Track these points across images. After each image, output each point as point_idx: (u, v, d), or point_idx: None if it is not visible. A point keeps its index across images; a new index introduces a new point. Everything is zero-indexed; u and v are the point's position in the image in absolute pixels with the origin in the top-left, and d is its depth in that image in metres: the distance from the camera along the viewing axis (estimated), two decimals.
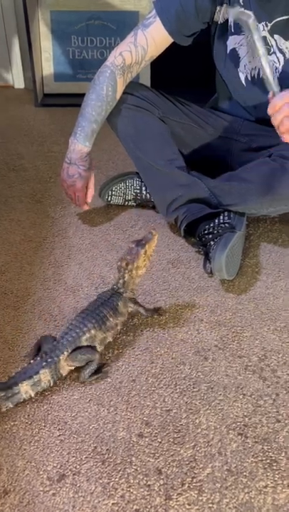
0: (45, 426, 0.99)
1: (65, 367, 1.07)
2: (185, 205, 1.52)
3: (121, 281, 1.18)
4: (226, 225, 1.44)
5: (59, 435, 0.98)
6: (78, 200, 1.61)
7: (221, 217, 1.48)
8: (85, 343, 1.08)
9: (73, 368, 1.08)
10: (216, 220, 1.47)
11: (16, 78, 3.17)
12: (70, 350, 1.07)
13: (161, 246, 1.57)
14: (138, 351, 1.17)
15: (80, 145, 1.55)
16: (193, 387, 1.08)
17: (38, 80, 2.86)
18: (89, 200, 1.63)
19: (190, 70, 2.56)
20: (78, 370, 1.09)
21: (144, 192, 1.72)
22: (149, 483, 0.90)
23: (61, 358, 1.05)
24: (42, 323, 1.25)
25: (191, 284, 1.40)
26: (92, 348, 1.09)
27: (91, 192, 1.62)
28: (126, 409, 1.03)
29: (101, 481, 0.90)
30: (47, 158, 2.19)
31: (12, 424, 1.00)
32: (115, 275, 1.22)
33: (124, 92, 1.54)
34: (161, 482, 0.90)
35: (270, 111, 1.19)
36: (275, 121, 1.19)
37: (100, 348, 1.11)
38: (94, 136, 1.55)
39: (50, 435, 0.98)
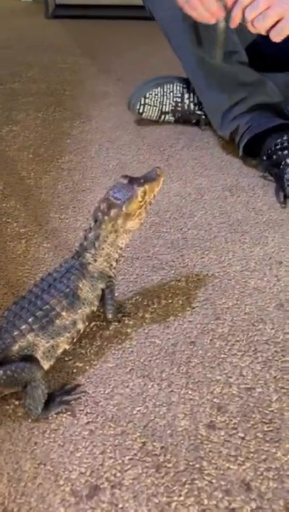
0: (66, 408, 0.66)
1: None
2: (248, 113, 1.14)
3: (92, 234, 0.72)
4: None
5: (88, 422, 0.65)
6: None
7: None
8: (18, 356, 0.65)
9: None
10: None
11: None
12: None
13: (213, 169, 1.19)
14: (196, 302, 0.82)
15: None
16: (282, 356, 0.73)
17: None
18: None
19: None
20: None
21: (187, 101, 1.33)
22: (233, 505, 0.57)
23: None
24: (59, 260, 0.90)
25: (259, 217, 1.03)
26: (30, 360, 0.65)
27: None
28: (186, 384, 0.69)
29: (157, 501, 0.57)
30: (61, 70, 1.79)
31: (17, 403, 0.67)
32: (86, 226, 0.75)
33: None
34: (254, 505, 0.57)
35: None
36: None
37: (46, 363, 0.67)
38: None
39: (73, 423, 0.65)
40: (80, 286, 0.71)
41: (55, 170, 1.19)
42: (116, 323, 0.78)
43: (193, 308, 0.81)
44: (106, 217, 0.72)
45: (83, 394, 0.68)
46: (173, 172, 1.18)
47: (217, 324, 0.78)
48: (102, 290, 0.74)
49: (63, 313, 0.68)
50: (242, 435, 0.63)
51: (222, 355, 0.73)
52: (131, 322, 0.79)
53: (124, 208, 0.72)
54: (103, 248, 0.73)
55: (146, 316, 0.80)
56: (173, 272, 0.89)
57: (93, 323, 0.78)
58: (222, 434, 0.63)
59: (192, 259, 0.92)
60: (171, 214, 1.04)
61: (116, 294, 0.77)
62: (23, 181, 1.15)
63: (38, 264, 0.91)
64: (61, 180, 1.15)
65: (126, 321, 0.79)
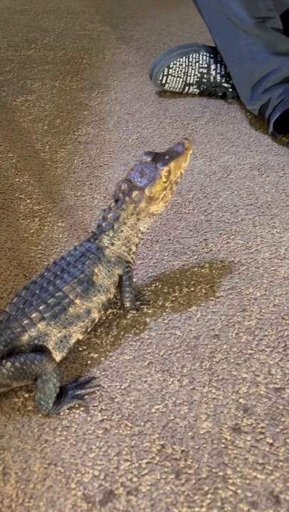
0: (79, 403, 0.61)
1: None
2: (281, 85, 1.05)
3: (111, 215, 0.66)
4: None
5: (102, 420, 0.60)
6: None
7: None
8: (27, 347, 0.60)
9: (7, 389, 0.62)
10: None
11: None
12: None
13: (240, 146, 1.11)
14: (220, 291, 0.76)
15: None
16: None
17: None
18: None
19: None
20: None
21: (213, 72, 1.24)
22: None
23: None
24: (74, 241, 0.85)
25: None
26: (41, 351, 0.60)
27: None
28: (209, 382, 0.64)
29: (176, 511, 0.53)
30: (79, 37, 1.70)
31: (27, 396, 0.62)
32: (104, 207, 0.69)
33: None
34: None
35: None
36: None
37: (59, 354, 0.62)
38: None
39: (87, 420, 0.60)
40: (96, 271, 0.65)
41: (71, 143, 1.12)
42: (134, 312, 0.73)
43: (218, 297, 0.75)
44: (127, 198, 0.66)
45: (98, 388, 0.63)
46: (197, 148, 1.11)
47: (243, 316, 0.72)
48: (120, 276, 0.68)
49: (77, 301, 0.63)
50: (270, 441, 0.58)
51: (249, 351, 0.68)
52: (150, 311, 0.73)
53: (146, 191, 0.66)
54: (122, 231, 0.67)
55: (167, 304, 0.74)
56: (196, 257, 0.83)
57: (110, 310, 0.73)
58: (248, 438, 0.58)
59: (217, 244, 0.85)
60: (194, 194, 0.97)
61: (134, 280, 0.72)
62: (38, 155, 1.08)
63: (52, 244, 0.85)
64: (77, 155, 1.08)
65: (144, 310, 0.73)
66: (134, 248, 0.69)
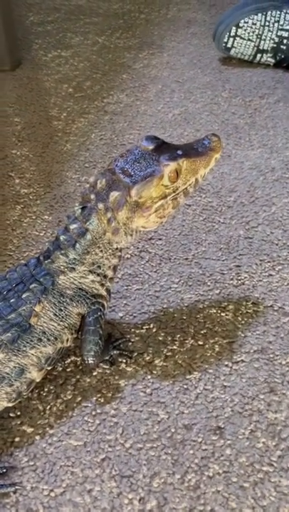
0: None
1: None
2: None
3: (76, 227, 0.43)
4: None
5: None
6: None
7: None
8: None
9: None
10: None
11: None
12: None
13: None
14: (242, 353, 0.51)
15: None
16: None
17: None
18: None
19: None
20: None
21: None
22: None
23: None
24: None
25: None
26: None
27: None
28: None
29: None
30: None
31: None
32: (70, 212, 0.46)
33: None
34: None
35: None
36: None
37: None
38: None
39: None
40: (37, 310, 0.42)
41: (95, 112, 0.89)
42: (106, 366, 0.50)
43: (236, 363, 0.50)
44: (100, 205, 0.42)
45: (14, 489, 0.41)
46: (256, 134, 0.83)
47: (269, 402, 0.47)
48: (82, 317, 0.45)
49: (2, 355, 0.41)
50: None
51: (264, 467, 0.42)
52: (129, 369, 0.49)
53: (133, 193, 0.42)
54: (88, 253, 0.43)
55: (157, 362, 0.50)
56: (218, 291, 0.57)
57: (71, 358, 0.50)
58: None
59: (253, 276, 0.59)
60: (237, 196, 0.71)
61: (119, 315, 0.49)
62: (50, 123, 0.86)
63: (27, 244, 0.63)
64: (98, 127, 0.85)
65: (122, 365, 0.50)
66: (110, 273, 0.46)
